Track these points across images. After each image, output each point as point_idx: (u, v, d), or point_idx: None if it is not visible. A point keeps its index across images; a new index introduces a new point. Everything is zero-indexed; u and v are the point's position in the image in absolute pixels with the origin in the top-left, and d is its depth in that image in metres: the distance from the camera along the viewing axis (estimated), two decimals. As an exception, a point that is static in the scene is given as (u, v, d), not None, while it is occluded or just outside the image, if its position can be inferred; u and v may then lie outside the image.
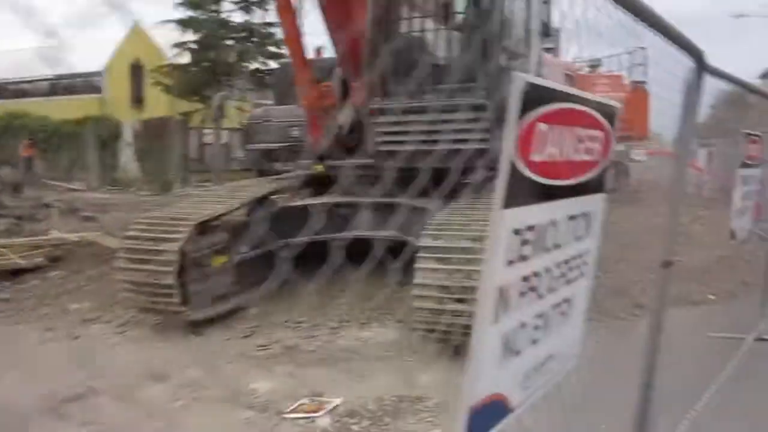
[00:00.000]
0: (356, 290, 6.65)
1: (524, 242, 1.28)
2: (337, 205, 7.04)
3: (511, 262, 1.27)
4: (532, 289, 1.37)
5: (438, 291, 5.14)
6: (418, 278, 5.20)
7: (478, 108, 5.74)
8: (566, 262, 1.53)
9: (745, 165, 4.02)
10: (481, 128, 5.83)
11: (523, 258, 1.30)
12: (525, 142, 1.20)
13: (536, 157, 1.25)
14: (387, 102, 6.27)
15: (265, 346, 6.20)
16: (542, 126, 1.24)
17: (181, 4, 21.62)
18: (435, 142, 5.92)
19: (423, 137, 6.03)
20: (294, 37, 6.80)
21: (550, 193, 1.34)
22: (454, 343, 5.62)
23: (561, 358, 1.62)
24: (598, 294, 7.33)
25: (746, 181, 4.12)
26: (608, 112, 1.61)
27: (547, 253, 1.40)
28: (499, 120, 5.96)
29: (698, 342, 5.65)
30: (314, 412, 4.52)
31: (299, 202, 7.40)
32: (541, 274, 1.39)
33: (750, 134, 4.01)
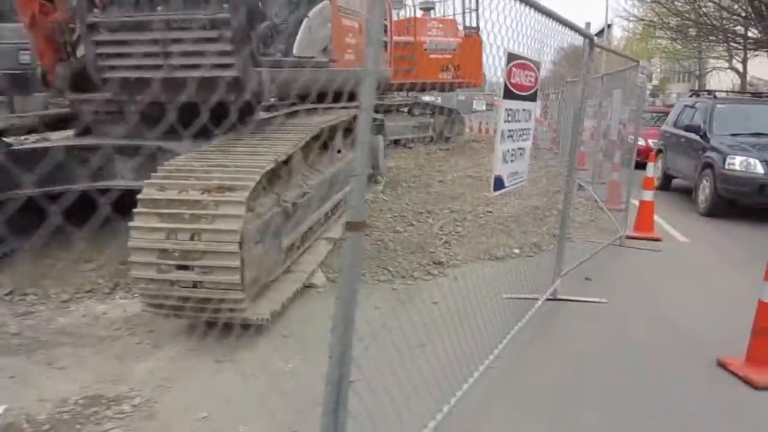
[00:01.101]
0: (113, 253, 5.45)
1: None
2: (75, 147, 5.61)
3: None
4: None
5: (157, 256, 3.99)
6: (132, 240, 4.01)
7: (217, 24, 4.53)
8: None
9: (510, 95, 3.19)
10: (221, 50, 4.65)
11: None
12: None
13: None
14: (104, 15, 4.87)
15: (-48, 332, 4.77)
16: None
17: None
18: (161, 67, 4.71)
19: (151, 61, 4.77)
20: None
21: None
22: (189, 320, 4.57)
23: None
24: (395, 251, 6.57)
25: (514, 116, 3.32)
26: None
27: None
28: (244, 39, 4.81)
29: (491, 304, 4.99)
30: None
31: (29, 146, 5.87)
32: None
33: (516, 56, 3.18)
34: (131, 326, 4.74)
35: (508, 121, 3.23)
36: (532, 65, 3.47)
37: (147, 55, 4.80)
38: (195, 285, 4.02)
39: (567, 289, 5.69)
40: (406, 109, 16.97)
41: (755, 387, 3.88)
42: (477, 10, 16.80)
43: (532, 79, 3.54)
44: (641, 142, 15.43)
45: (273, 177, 4.99)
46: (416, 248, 6.59)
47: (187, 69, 4.75)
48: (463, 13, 17.32)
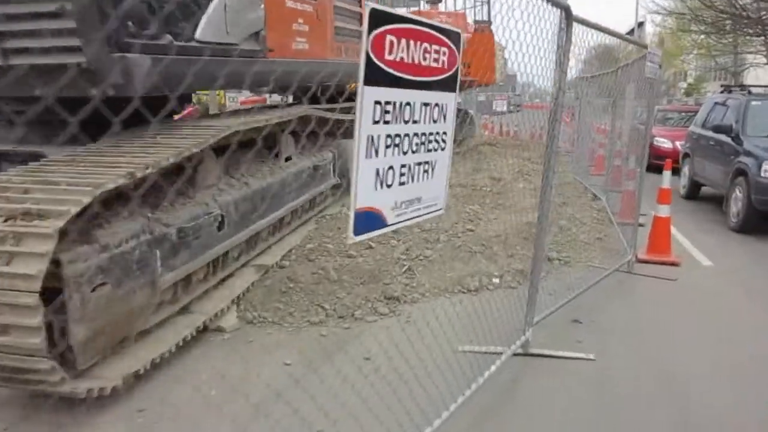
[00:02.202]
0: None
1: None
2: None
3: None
4: None
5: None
6: None
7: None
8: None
9: (386, 79, 1.91)
10: (62, 28, 3.52)
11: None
12: None
13: None
14: None
15: None
16: None
17: None
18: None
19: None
20: None
21: None
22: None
23: None
24: (339, 282, 5.34)
25: (404, 113, 2.05)
26: None
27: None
28: (96, 15, 3.65)
29: (443, 360, 3.76)
30: None
31: None
32: None
33: (391, 17, 1.91)
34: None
35: (386, 122, 2.00)
36: (441, 38, 2.24)
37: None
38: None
39: (548, 336, 4.43)
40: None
41: None
42: (489, 2, 15.52)
43: (444, 59, 2.31)
44: (668, 145, 13.97)
45: (151, 194, 3.85)
46: (368, 278, 5.36)
47: (24, 54, 3.65)
48: (474, 6, 16.03)
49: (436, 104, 2.34)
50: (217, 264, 4.67)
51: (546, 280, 5.82)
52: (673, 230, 7.79)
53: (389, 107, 2.04)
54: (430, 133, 2.33)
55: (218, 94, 19.53)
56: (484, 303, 4.90)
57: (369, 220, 2.05)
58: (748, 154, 8.19)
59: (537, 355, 4.15)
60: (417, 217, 2.37)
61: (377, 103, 1.98)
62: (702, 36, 23.52)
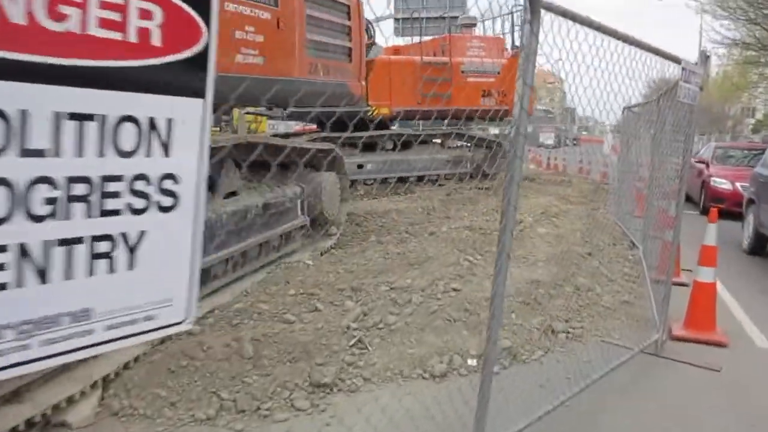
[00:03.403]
0: None
1: None
2: None
3: None
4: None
5: None
6: None
7: None
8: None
9: None
10: None
11: None
12: None
13: None
14: None
15: None
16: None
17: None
18: None
19: None
20: None
21: None
22: None
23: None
24: (256, 360, 4.02)
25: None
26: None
27: None
28: None
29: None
30: None
31: None
32: None
33: None
34: None
35: None
36: None
37: None
38: None
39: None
40: (439, 141, 14.52)
41: None
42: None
43: (153, 26, 1.12)
44: (727, 186, 12.20)
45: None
46: (299, 354, 4.12)
47: None
48: (512, 30, 14.79)
49: (130, 117, 1.12)
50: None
51: (542, 362, 4.48)
52: (726, 294, 6.30)
53: None
54: (112, 178, 1.12)
55: (255, 119, 18.49)
56: (445, 397, 3.63)
57: None
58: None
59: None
60: (83, 349, 1.15)
61: None
62: (771, 68, 21.52)
